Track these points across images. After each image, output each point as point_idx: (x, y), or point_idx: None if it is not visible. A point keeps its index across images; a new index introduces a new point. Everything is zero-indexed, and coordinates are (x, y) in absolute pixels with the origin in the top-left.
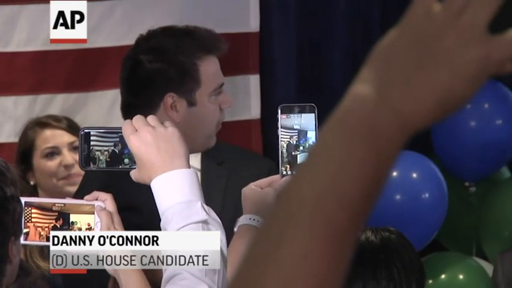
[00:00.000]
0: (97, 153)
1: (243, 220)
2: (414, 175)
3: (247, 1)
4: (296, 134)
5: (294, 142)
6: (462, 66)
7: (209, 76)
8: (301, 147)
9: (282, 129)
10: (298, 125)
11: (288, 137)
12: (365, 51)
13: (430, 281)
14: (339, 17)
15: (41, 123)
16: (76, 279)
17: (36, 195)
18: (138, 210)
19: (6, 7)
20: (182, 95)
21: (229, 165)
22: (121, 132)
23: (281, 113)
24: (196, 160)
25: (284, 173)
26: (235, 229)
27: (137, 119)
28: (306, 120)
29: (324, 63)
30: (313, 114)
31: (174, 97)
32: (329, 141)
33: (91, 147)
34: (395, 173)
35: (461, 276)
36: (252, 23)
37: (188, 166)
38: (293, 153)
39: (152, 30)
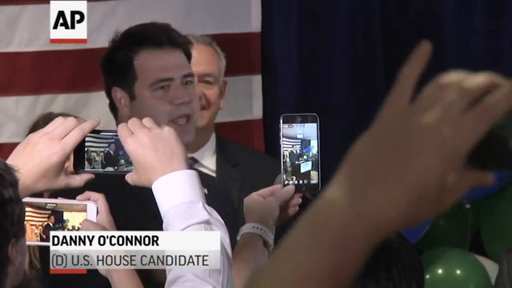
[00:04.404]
0: (93, 154)
1: (246, 229)
2: None
3: (249, 1)
4: (299, 143)
5: (297, 151)
6: (428, 171)
7: (146, 70)
8: (304, 156)
9: (284, 139)
10: (301, 134)
11: (291, 146)
12: (366, 52)
13: (427, 276)
14: (340, 18)
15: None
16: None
17: (41, 194)
18: None
19: (8, 7)
20: (124, 88)
21: (244, 167)
22: (116, 134)
23: (283, 123)
24: (211, 162)
25: (286, 182)
26: (238, 237)
27: (133, 121)
28: (309, 130)
29: (326, 63)
30: (315, 124)
31: (119, 91)
32: (299, 243)
33: (86, 149)
34: None
35: (458, 272)
36: (254, 23)
37: (187, 166)
38: (296, 162)
39: None
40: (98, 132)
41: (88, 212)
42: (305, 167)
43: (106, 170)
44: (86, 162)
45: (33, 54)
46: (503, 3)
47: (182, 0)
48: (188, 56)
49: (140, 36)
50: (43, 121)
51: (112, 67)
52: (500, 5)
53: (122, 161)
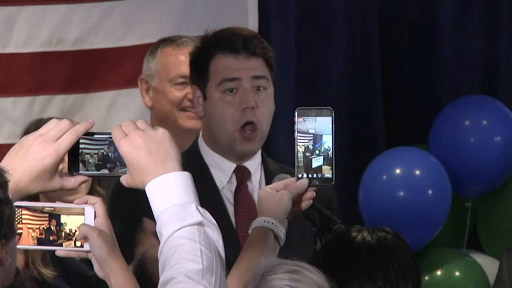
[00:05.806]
0: (87, 156)
1: (257, 222)
2: (418, 172)
3: (246, 2)
4: (311, 137)
5: (310, 146)
6: None
7: (216, 71)
8: (316, 151)
9: (299, 133)
10: (313, 129)
11: (306, 140)
12: (363, 53)
13: (426, 278)
14: (338, 18)
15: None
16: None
17: (37, 199)
18: None
19: (5, 8)
20: (200, 88)
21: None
22: (110, 136)
23: (298, 117)
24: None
25: (300, 176)
26: (250, 231)
27: (127, 123)
28: (322, 124)
29: (323, 64)
30: (330, 118)
31: (197, 90)
32: None
33: (80, 151)
34: (398, 170)
35: (456, 272)
36: (251, 24)
37: (181, 167)
38: (308, 157)
39: None
40: (92, 134)
41: (86, 215)
42: (317, 161)
43: (100, 172)
44: (80, 164)
45: (30, 55)
46: (501, 3)
47: (180, 1)
48: (270, 67)
49: (220, 41)
50: (34, 127)
51: (193, 65)
52: (498, 6)
53: (117, 163)
